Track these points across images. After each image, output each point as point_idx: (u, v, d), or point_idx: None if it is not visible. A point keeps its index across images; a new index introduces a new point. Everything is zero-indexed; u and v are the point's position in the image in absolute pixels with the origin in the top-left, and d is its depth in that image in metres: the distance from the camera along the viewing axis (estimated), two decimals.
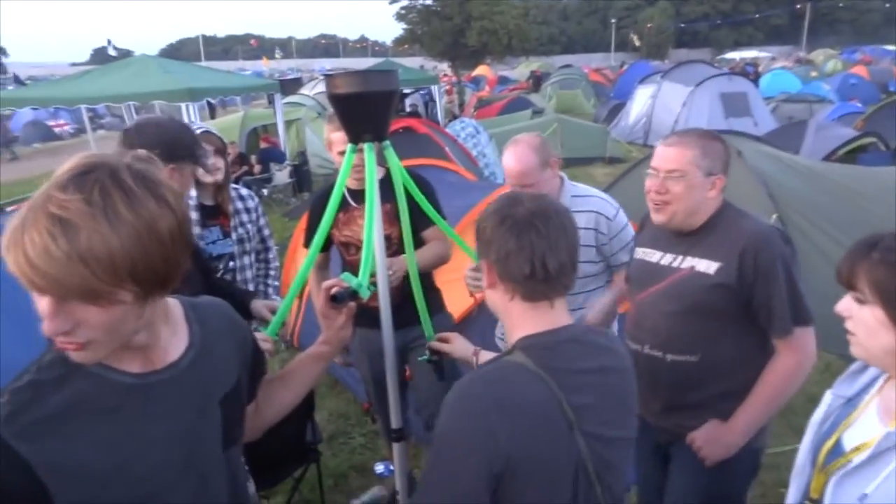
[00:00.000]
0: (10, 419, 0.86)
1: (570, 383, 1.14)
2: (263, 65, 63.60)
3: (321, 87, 18.54)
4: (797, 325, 1.77)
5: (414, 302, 2.36)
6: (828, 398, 1.37)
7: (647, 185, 1.88)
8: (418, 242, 2.20)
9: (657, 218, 1.87)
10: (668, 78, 14.20)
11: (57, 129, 21.57)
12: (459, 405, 1.12)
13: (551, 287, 1.18)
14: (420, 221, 2.21)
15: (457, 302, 2.70)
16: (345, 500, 3.02)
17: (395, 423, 1.88)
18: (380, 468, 3.23)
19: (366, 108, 1.61)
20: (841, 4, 75.49)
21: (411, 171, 2.16)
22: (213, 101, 12.42)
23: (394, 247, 2.35)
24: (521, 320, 1.21)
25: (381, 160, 1.80)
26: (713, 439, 1.82)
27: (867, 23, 75.98)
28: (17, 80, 28.90)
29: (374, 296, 1.57)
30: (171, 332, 1.04)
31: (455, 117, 14.27)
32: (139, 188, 0.84)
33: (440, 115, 15.24)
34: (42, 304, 0.82)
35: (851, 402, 1.32)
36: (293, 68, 59.63)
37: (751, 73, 21.52)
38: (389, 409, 1.87)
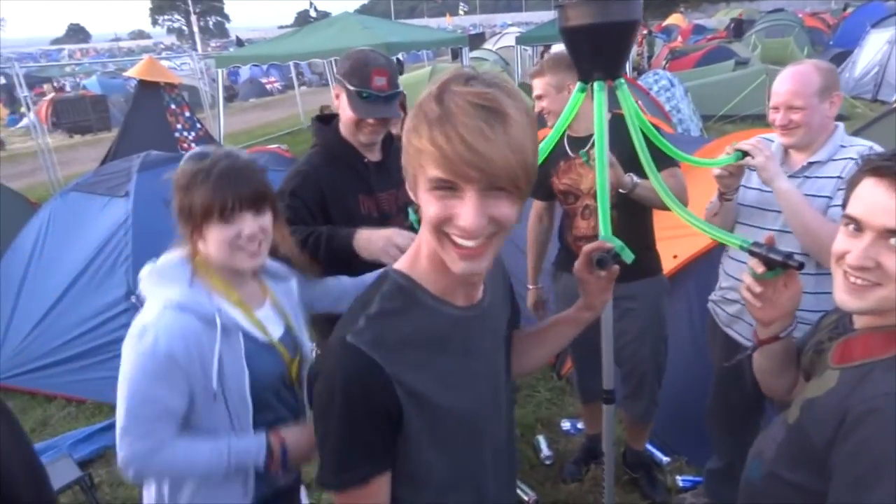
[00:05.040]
0: (376, 344, 0.88)
1: None
2: (447, 21, 64.68)
3: (504, 42, 18.55)
4: None
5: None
6: None
7: None
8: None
9: None
10: None
11: (268, 86, 23.95)
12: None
13: None
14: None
15: (663, 261, 2.56)
16: (531, 451, 3.05)
17: (607, 383, 1.81)
18: (566, 425, 3.21)
19: (601, 42, 1.44)
20: None
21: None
22: (401, 57, 12.90)
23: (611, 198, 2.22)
24: None
25: (612, 103, 1.65)
26: None
27: None
28: (239, 42, 32.43)
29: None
30: None
31: (643, 71, 13.34)
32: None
33: (628, 69, 14.37)
34: (455, 202, 0.80)
35: None
36: (475, 24, 59.84)
37: None
38: (594, 369, 1.80)
